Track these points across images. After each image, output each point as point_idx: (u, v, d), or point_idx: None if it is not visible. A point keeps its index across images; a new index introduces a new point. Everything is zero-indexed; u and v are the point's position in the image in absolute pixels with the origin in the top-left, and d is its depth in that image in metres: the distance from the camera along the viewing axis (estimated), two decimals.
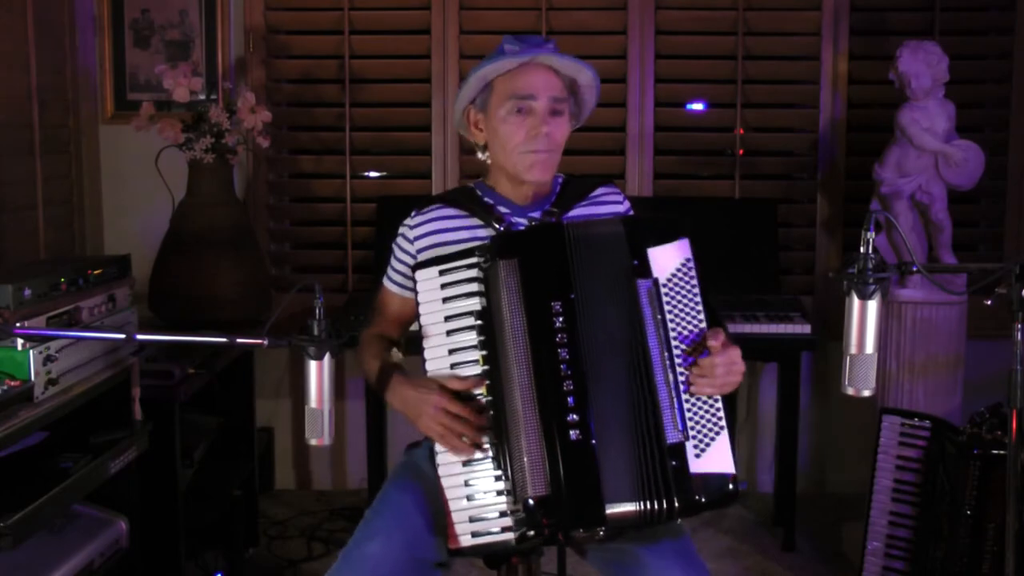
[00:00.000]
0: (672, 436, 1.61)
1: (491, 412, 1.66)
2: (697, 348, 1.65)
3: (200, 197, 3.14)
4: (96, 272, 2.14)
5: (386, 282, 1.98)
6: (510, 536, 1.62)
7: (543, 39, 1.86)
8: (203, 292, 3.05)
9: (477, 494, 1.65)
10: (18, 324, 1.82)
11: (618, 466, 1.59)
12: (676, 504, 1.58)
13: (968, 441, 2.56)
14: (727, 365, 1.63)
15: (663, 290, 1.68)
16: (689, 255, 1.71)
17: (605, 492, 1.57)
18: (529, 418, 1.61)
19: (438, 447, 1.68)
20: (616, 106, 3.62)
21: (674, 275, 1.69)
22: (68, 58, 3.39)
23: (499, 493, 1.64)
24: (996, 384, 2.04)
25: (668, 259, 1.70)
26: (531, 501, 1.58)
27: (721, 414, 1.64)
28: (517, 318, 1.66)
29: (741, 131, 3.63)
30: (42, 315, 1.93)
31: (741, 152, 3.65)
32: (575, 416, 1.60)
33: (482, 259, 1.72)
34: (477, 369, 1.69)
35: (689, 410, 1.63)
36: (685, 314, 1.68)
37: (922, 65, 2.98)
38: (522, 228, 1.86)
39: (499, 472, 1.64)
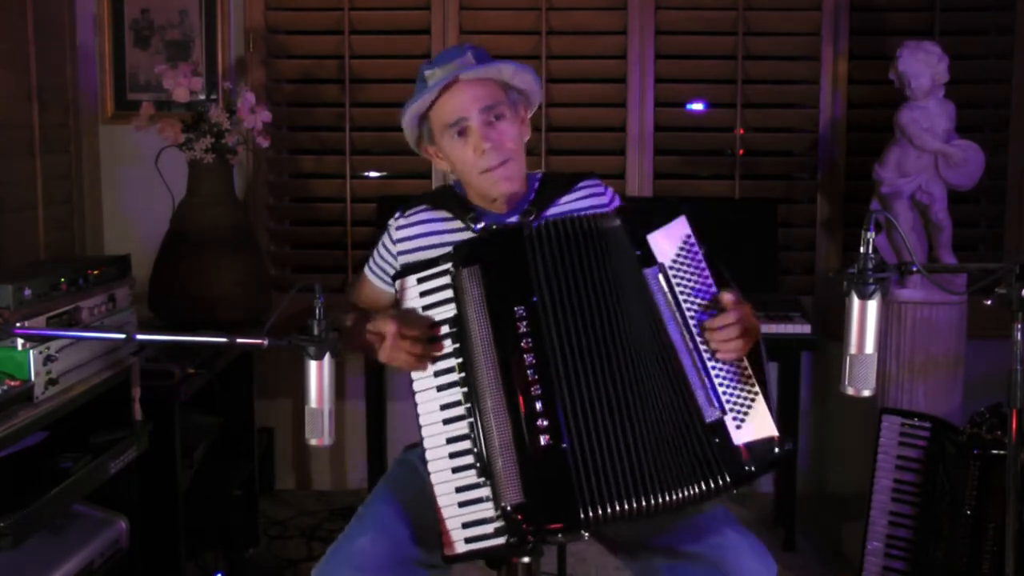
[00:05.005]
0: (709, 414, 1.61)
1: (471, 419, 1.65)
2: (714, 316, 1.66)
3: (200, 197, 3.13)
4: (96, 272, 2.14)
5: (366, 270, 2.01)
6: (501, 541, 1.61)
7: (458, 50, 1.82)
8: (203, 292, 3.04)
9: (469, 500, 1.64)
10: (18, 324, 1.82)
11: (604, 464, 1.58)
12: (728, 479, 1.58)
13: (968, 441, 2.56)
14: (740, 320, 1.63)
15: (671, 272, 1.68)
16: (688, 231, 1.70)
17: (581, 494, 1.56)
18: (501, 425, 1.61)
19: (428, 454, 1.67)
20: (616, 106, 3.62)
21: (678, 255, 1.69)
22: (68, 58, 3.39)
23: (487, 499, 1.63)
24: (996, 384, 2.04)
25: (668, 242, 1.70)
26: (508, 508, 1.59)
27: (752, 380, 1.64)
28: (483, 326, 1.65)
29: (741, 131, 3.62)
30: (42, 315, 1.93)
31: (741, 152, 3.65)
32: (544, 421, 1.59)
33: (449, 266, 1.71)
34: (455, 376, 1.68)
35: (721, 384, 1.63)
36: (697, 290, 1.68)
37: (922, 65, 2.98)
38: (477, 235, 1.84)
39: (483, 479, 1.63)
